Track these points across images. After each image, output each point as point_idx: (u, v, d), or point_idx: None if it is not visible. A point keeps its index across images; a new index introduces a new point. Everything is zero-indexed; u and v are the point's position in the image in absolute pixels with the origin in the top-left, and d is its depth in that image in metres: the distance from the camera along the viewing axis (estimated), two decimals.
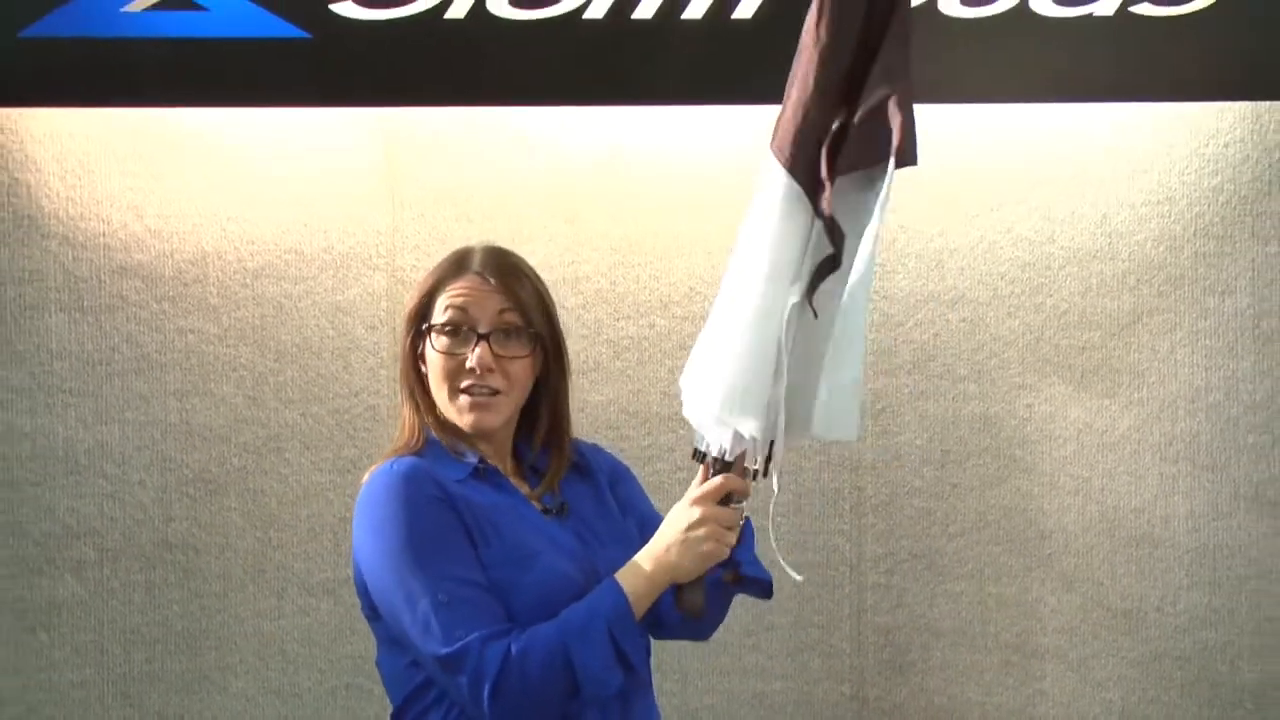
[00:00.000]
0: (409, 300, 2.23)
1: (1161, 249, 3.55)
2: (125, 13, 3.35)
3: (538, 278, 2.25)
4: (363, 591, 2.10)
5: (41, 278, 3.50)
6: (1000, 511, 3.58)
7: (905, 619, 3.60)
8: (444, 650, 1.98)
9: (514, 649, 1.97)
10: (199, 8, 3.36)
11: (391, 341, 3.54)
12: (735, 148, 3.38)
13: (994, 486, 3.58)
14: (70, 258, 3.50)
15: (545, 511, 2.18)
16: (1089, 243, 3.56)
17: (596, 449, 2.37)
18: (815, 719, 3.60)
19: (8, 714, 3.48)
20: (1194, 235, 3.54)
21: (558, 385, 2.26)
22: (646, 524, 2.24)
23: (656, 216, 3.53)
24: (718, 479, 2.05)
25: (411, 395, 2.22)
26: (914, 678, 3.61)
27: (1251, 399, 3.55)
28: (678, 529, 2.04)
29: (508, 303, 2.16)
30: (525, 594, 2.04)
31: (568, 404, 2.29)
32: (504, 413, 2.17)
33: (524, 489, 2.21)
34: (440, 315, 2.16)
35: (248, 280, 3.53)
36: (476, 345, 2.13)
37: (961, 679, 3.59)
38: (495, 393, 2.15)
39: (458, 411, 2.15)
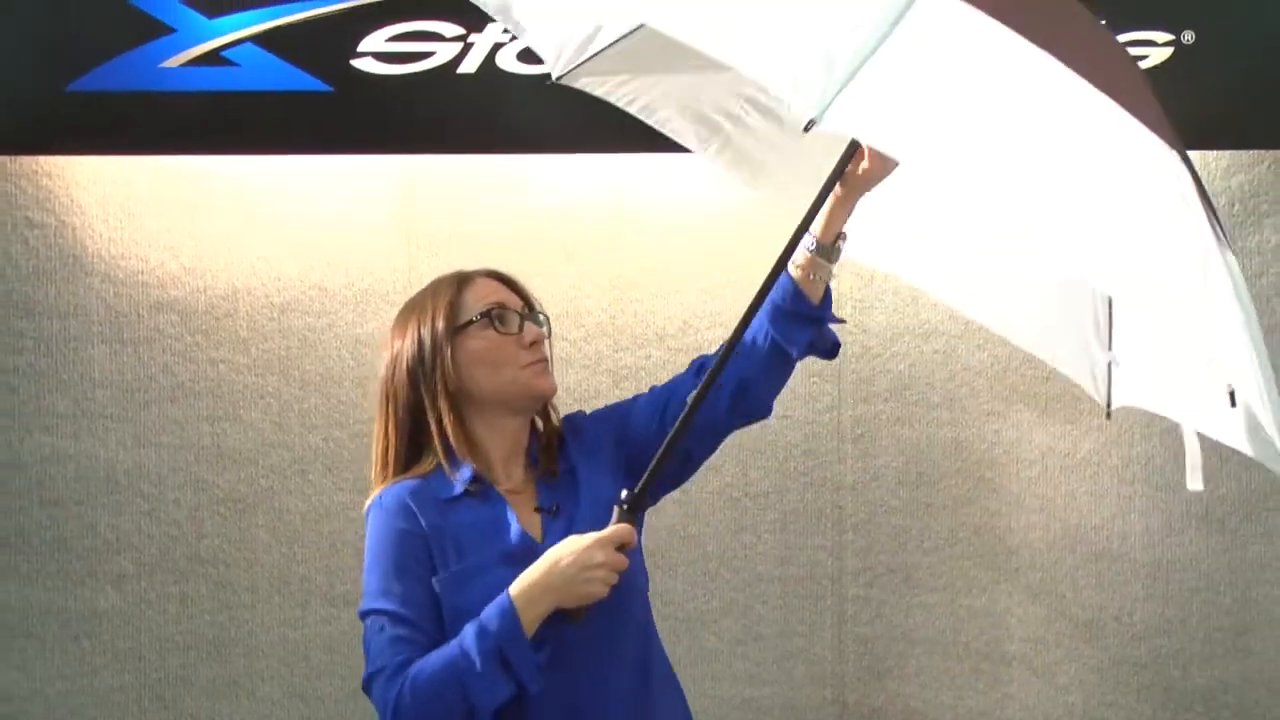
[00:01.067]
0: (429, 326, 2.21)
1: None
2: (163, 68, 3.45)
3: None
4: None
5: (85, 312, 3.59)
6: (971, 529, 3.68)
7: (883, 629, 3.69)
8: (366, 673, 2.07)
9: (410, 674, 2.01)
10: (230, 64, 3.45)
11: None
12: (724, 195, 3.45)
13: (965, 506, 3.68)
14: (111, 294, 3.60)
15: (537, 510, 2.20)
16: None
17: (575, 425, 2.35)
18: None
19: (54, 716, 3.58)
20: None
21: None
22: (650, 404, 2.35)
23: (653, 257, 3.62)
24: (623, 526, 2.06)
25: (437, 407, 2.19)
26: (891, 683, 3.69)
27: None
28: (575, 564, 2.04)
29: (519, 296, 2.27)
30: (473, 612, 2.05)
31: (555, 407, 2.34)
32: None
33: (525, 481, 2.23)
34: (482, 307, 2.22)
35: (275, 314, 3.62)
36: (523, 324, 2.22)
37: (935, 684, 3.68)
38: (546, 363, 2.25)
39: (528, 380, 2.21)
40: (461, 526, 2.14)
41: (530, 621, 2.01)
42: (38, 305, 3.59)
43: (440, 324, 2.21)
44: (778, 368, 2.30)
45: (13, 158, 3.57)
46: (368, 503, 2.21)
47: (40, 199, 3.59)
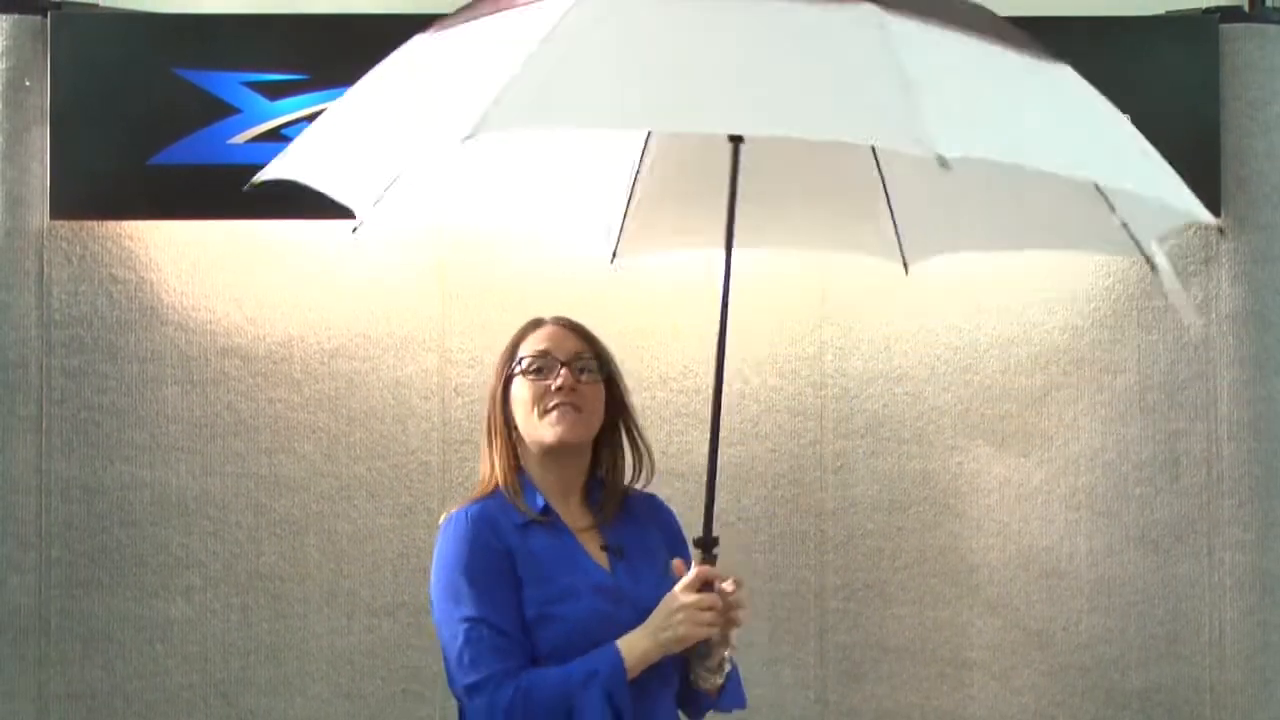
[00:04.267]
0: (497, 369, 2.34)
1: (1066, 336, 3.81)
2: (229, 144, 3.61)
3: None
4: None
5: (160, 357, 3.71)
6: (937, 550, 3.83)
7: (860, 638, 3.83)
8: (470, 679, 2.14)
9: (523, 685, 2.11)
10: (289, 140, 3.35)
11: (441, 409, 3.76)
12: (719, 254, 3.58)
13: (932, 529, 3.83)
14: (184, 341, 3.72)
15: (603, 549, 2.28)
16: (1008, 330, 3.81)
17: (653, 503, 2.42)
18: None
19: (131, 710, 3.67)
20: (1092, 325, 3.81)
21: (620, 430, 2.37)
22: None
23: (656, 308, 3.74)
24: (695, 570, 2.16)
25: (493, 441, 2.31)
26: (867, 686, 3.83)
27: (1139, 458, 3.78)
28: (663, 613, 2.16)
29: (582, 345, 2.32)
30: (562, 625, 2.17)
31: (623, 452, 2.39)
32: (583, 431, 2.28)
33: (585, 522, 2.30)
34: (527, 357, 2.30)
35: (325, 359, 3.75)
36: (560, 370, 2.26)
37: (906, 687, 3.83)
38: (577, 410, 2.26)
39: (548, 427, 2.26)
40: (539, 551, 2.23)
41: (633, 667, 2.15)
42: (120, 351, 3.69)
43: (500, 368, 2.35)
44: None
45: (100, 222, 3.65)
46: (444, 516, 2.32)
47: (123, 258, 3.70)
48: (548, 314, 2.46)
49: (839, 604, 3.86)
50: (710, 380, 3.65)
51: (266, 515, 3.77)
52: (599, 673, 2.12)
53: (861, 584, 3.86)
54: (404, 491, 3.80)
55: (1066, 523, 3.83)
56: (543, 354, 2.32)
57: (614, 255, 2.95)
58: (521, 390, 2.32)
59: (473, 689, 2.16)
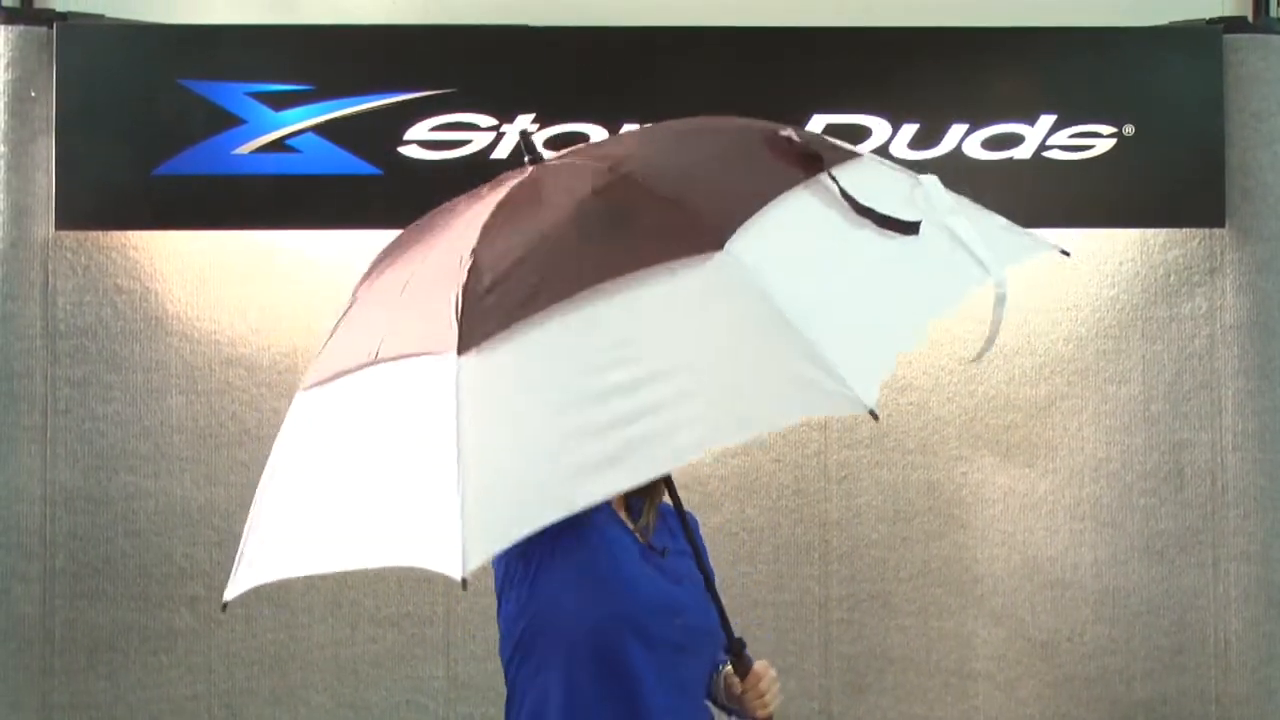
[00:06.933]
0: None
1: (1070, 347, 3.85)
2: (234, 154, 3.64)
3: None
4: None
5: (165, 367, 3.74)
6: (941, 560, 3.86)
7: (864, 648, 3.86)
8: None
9: None
10: (293, 150, 3.65)
11: None
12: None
13: (936, 539, 3.86)
14: (188, 350, 3.75)
15: (650, 549, 2.29)
16: (1012, 341, 3.85)
17: (692, 519, 2.44)
18: None
19: None
20: (1096, 336, 3.84)
21: None
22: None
23: None
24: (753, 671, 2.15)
25: None
26: (871, 697, 3.86)
27: (1143, 468, 3.82)
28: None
29: None
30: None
31: None
32: None
33: (630, 526, 2.31)
34: None
35: None
36: None
37: (910, 698, 3.86)
38: None
39: None
40: (598, 528, 2.20)
41: None
42: (124, 361, 3.73)
43: None
44: None
45: (105, 232, 3.70)
46: None
47: (128, 268, 3.74)
48: None
49: (843, 614, 3.87)
50: None
51: None
52: None
53: (866, 594, 3.88)
54: None
55: (1071, 533, 3.85)
56: None
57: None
58: None
59: None
